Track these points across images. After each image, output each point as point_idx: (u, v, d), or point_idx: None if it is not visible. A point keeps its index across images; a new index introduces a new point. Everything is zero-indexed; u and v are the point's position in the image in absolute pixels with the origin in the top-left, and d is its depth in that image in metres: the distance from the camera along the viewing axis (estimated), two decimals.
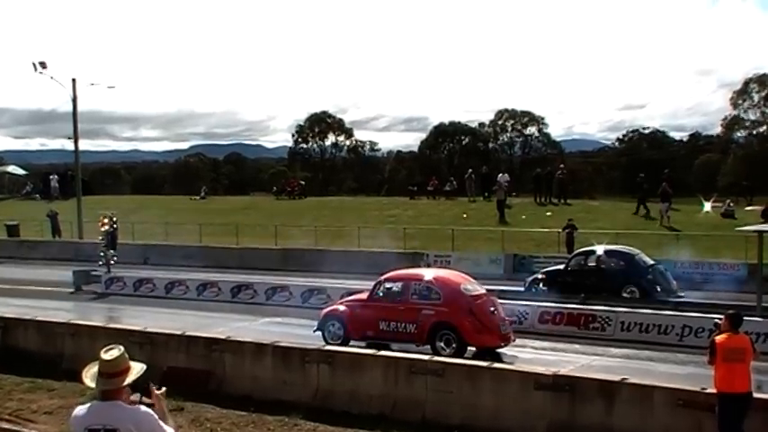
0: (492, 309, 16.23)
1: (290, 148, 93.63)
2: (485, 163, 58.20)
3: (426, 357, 12.61)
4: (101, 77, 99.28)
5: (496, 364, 12.01)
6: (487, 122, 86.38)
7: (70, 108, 41.00)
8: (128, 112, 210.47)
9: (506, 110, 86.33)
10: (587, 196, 51.15)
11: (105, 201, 46.61)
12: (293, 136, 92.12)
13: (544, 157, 75.01)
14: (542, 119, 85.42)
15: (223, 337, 14.27)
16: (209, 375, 13.18)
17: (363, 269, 24.71)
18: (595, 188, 61.42)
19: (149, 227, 37.87)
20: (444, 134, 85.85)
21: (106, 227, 27.06)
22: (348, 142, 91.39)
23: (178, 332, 14.52)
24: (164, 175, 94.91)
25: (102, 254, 26.98)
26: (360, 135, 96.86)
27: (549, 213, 36.76)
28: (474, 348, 15.75)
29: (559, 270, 22.83)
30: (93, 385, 4.78)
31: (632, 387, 10.54)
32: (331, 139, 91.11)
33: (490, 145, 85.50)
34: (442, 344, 15.74)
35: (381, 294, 16.85)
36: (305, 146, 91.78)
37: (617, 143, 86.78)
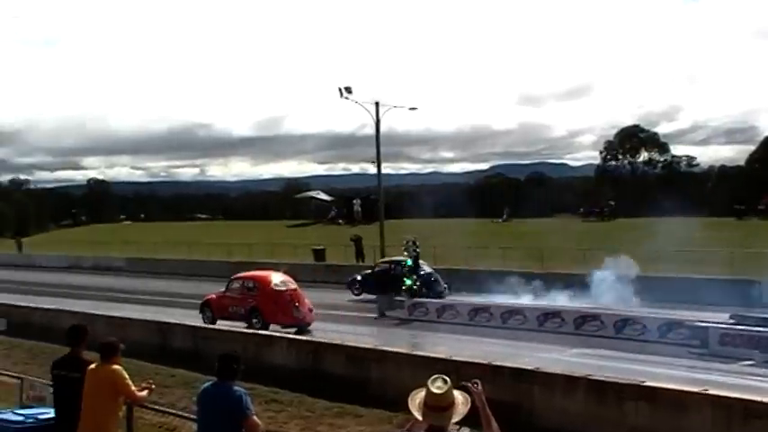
0: (291, 300, 23.22)
1: (598, 165, 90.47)
2: None
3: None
4: (396, 98, 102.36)
5: None
6: None
7: (367, 131, 42.27)
8: (422, 132, 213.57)
9: None
10: None
11: (406, 224, 46.76)
12: (601, 153, 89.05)
13: None
14: None
15: (531, 367, 13.56)
16: (518, 408, 12.26)
17: (686, 298, 22.91)
18: None
19: (450, 251, 37.70)
20: None
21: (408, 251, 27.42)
22: (662, 158, 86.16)
23: (484, 361, 13.94)
24: (464, 196, 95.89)
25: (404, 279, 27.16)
26: (675, 150, 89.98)
27: None
28: (276, 326, 22.19)
29: (369, 273, 30.72)
30: (420, 418, 4.66)
31: None
32: (644, 155, 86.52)
33: None
34: (254, 320, 22.79)
35: (231, 287, 24.43)
36: (614, 163, 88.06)
37: None
